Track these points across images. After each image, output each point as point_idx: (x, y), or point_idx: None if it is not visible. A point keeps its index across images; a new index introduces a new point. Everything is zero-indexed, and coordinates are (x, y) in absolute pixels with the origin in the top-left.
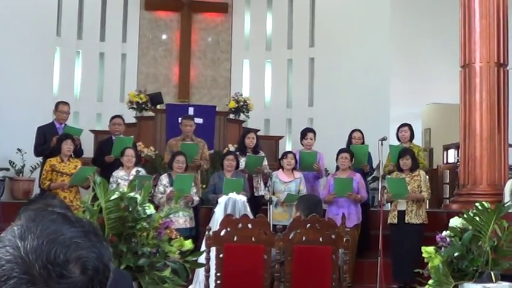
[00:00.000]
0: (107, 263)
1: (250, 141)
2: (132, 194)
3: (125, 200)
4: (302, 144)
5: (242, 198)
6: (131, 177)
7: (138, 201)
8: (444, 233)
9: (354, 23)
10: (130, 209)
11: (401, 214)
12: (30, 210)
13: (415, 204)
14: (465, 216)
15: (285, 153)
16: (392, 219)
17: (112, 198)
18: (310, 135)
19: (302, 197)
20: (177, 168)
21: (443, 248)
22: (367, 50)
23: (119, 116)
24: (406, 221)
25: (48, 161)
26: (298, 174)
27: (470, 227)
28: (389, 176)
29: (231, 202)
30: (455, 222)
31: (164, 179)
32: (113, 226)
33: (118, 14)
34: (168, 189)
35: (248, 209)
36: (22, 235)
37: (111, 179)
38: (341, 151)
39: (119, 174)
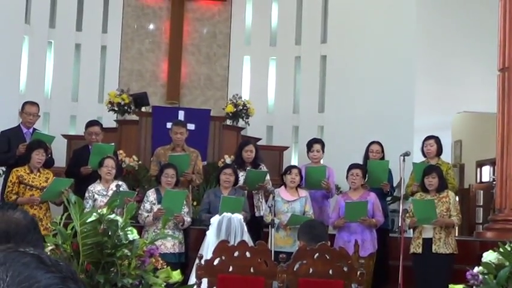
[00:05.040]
0: None
1: (248, 155)
2: (112, 216)
3: (103, 222)
4: (308, 157)
5: (238, 216)
6: (110, 193)
7: (119, 224)
8: (476, 269)
9: (373, 16)
10: (109, 234)
11: (427, 242)
12: None
13: (444, 230)
14: (501, 250)
15: (289, 168)
16: (417, 248)
17: (89, 220)
18: (316, 146)
19: (301, 225)
20: (165, 184)
21: (474, 287)
22: (388, 48)
23: (97, 123)
24: (433, 251)
25: (15, 171)
26: (303, 193)
27: (507, 263)
28: (414, 198)
29: (225, 221)
30: (490, 257)
31: (151, 195)
32: (89, 253)
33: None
34: (155, 207)
35: (245, 228)
36: None
37: (86, 194)
38: (352, 167)
39: (95, 188)
